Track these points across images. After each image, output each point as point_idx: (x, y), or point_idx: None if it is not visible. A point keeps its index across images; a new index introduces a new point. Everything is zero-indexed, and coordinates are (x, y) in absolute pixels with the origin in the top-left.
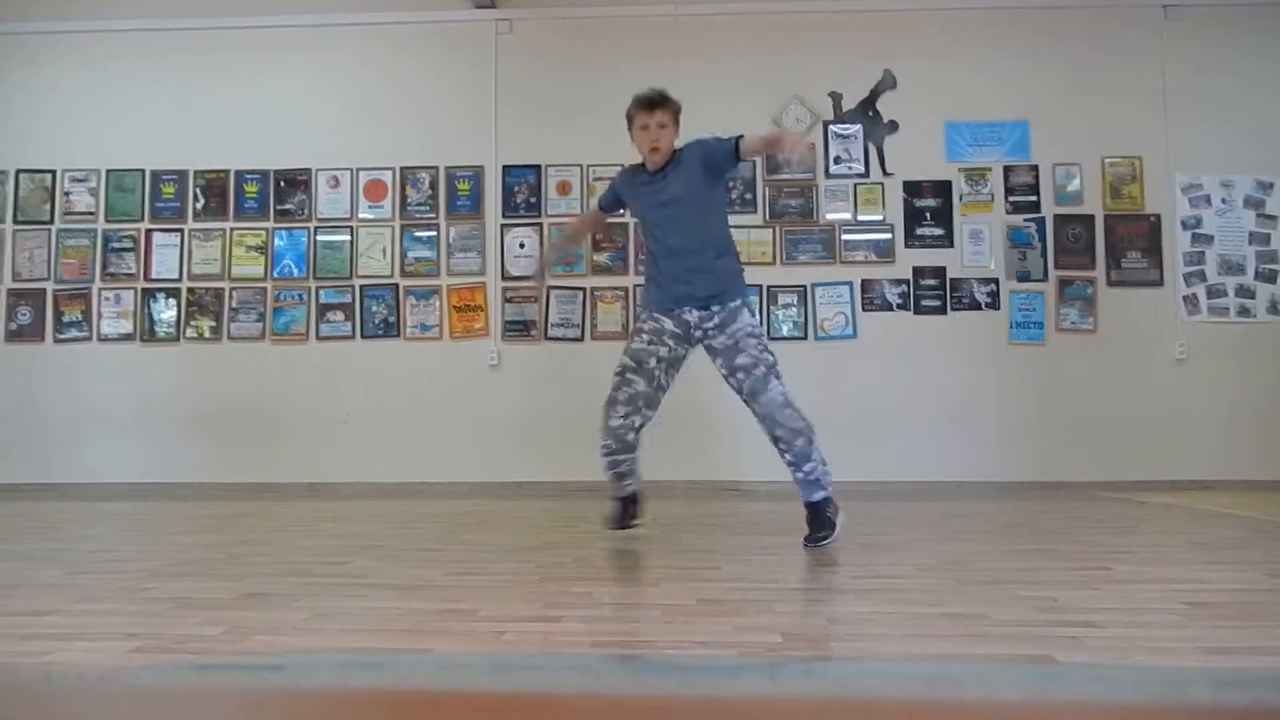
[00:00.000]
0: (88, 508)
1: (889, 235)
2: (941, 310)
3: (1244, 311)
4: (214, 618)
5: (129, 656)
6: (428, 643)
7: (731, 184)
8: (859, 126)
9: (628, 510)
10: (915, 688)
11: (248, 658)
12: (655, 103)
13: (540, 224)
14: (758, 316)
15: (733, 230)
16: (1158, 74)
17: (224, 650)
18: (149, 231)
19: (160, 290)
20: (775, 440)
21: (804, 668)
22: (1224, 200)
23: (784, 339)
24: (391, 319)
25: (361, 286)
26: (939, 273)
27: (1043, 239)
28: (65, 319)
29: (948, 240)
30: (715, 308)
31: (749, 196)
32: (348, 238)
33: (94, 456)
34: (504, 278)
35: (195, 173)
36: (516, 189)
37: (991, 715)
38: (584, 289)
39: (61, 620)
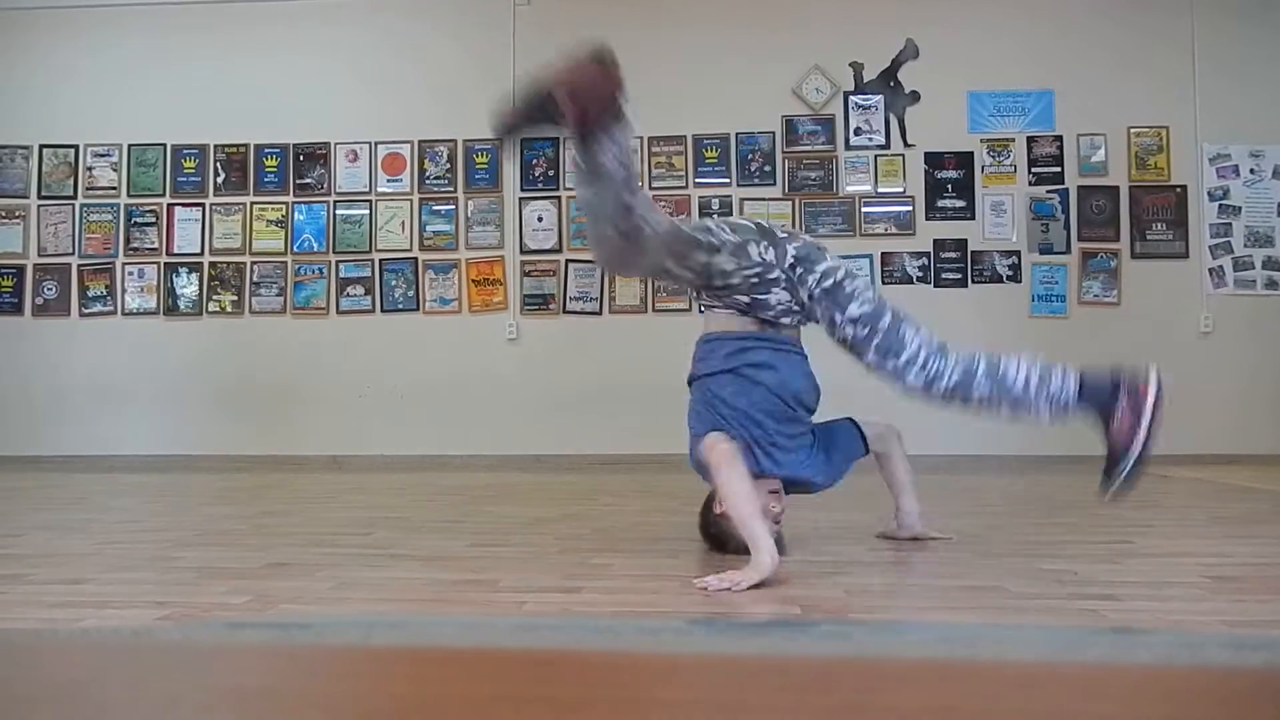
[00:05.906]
0: (113, 479)
1: (909, 207)
2: (962, 283)
3: (1271, 284)
4: (240, 586)
5: (159, 623)
6: (450, 612)
7: (751, 156)
8: (880, 97)
9: None
10: (929, 648)
11: (276, 617)
12: None
13: (559, 197)
14: None
15: (751, 203)
16: (1186, 42)
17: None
18: (170, 206)
19: (182, 265)
20: None
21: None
22: (1253, 171)
23: None
24: (411, 293)
25: (381, 260)
26: (960, 245)
27: (1066, 211)
28: (90, 293)
29: (969, 212)
30: None
31: (768, 169)
32: (366, 212)
33: (118, 429)
34: (522, 251)
35: (216, 147)
36: (535, 162)
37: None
38: None
39: (91, 589)
